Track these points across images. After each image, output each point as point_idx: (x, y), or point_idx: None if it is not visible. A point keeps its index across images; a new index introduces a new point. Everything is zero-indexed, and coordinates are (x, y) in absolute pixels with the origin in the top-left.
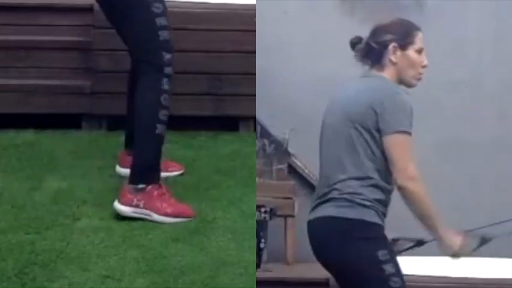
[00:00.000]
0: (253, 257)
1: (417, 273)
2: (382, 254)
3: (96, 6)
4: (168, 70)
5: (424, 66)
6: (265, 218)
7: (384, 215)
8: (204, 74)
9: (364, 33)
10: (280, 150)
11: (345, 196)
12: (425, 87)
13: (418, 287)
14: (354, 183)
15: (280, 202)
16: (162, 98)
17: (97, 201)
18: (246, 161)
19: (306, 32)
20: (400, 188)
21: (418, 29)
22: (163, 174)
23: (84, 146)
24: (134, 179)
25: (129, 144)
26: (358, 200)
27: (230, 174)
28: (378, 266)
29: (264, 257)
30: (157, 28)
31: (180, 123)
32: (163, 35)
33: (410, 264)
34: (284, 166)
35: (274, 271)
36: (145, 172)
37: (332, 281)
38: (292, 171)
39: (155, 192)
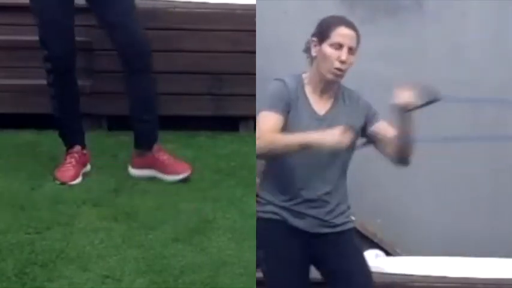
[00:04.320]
0: (253, 257)
1: (417, 273)
2: (259, 253)
3: None
4: (46, 65)
5: (342, 62)
6: None
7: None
8: (204, 74)
9: (364, 32)
10: None
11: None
12: None
13: (418, 287)
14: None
15: None
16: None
17: (97, 201)
18: (246, 161)
19: (306, 32)
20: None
21: (338, 24)
22: (171, 177)
23: None
24: None
25: (137, 144)
26: (258, 199)
27: (230, 174)
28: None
29: None
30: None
31: (180, 123)
32: (39, 33)
33: (410, 264)
34: None
35: None
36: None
37: None
38: None
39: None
